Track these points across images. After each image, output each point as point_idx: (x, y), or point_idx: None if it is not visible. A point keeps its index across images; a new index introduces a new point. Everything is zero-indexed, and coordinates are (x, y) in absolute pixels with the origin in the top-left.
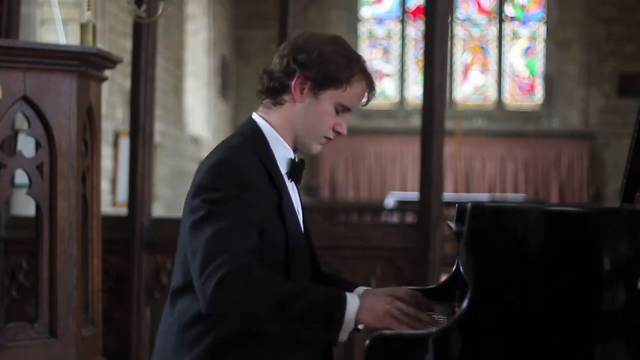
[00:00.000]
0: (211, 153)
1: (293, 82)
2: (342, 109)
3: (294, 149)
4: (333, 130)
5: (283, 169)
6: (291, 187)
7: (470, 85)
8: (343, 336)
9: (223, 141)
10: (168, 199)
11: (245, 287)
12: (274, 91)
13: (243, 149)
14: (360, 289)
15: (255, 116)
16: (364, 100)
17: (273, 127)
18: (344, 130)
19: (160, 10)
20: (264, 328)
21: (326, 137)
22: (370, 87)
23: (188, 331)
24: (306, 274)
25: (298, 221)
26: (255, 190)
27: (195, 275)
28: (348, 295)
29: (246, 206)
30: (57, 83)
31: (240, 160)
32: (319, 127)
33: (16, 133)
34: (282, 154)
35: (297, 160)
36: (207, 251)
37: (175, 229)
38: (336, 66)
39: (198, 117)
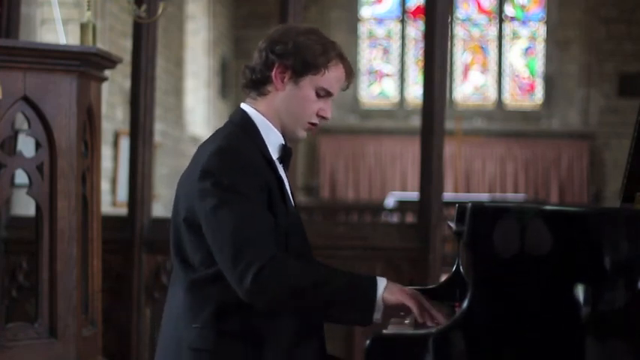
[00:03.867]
0: (208, 141)
1: (273, 72)
2: (323, 94)
3: (283, 136)
4: (318, 115)
5: (275, 155)
6: (282, 172)
7: (470, 85)
8: (377, 316)
9: (218, 130)
10: (168, 199)
11: (281, 277)
12: (257, 83)
13: (238, 137)
14: None
15: (243, 106)
16: (344, 84)
17: (263, 115)
18: (328, 114)
19: (159, 10)
20: (302, 311)
21: (310, 123)
22: (348, 71)
23: (193, 297)
24: (307, 254)
25: (292, 202)
26: (258, 172)
27: (227, 270)
28: (377, 277)
29: (254, 189)
30: (57, 83)
31: (240, 146)
32: (303, 112)
33: (16, 133)
34: (274, 140)
35: (287, 145)
36: (234, 245)
37: None
38: (312, 52)
39: (198, 117)
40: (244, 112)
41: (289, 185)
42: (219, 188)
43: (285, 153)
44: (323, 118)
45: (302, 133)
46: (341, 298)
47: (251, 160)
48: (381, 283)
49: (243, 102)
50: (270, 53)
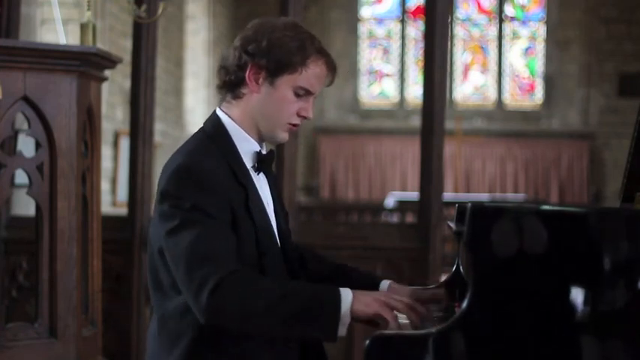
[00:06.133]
0: (172, 157)
1: (247, 74)
2: (303, 93)
3: (260, 141)
4: (298, 115)
5: (249, 163)
6: (261, 180)
7: (470, 85)
8: (342, 331)
9: (185, 142)
10: None
11: (239, 294)
12: (231, 85)
13: (204, 150)
14: (385, 282)
15: (218, 111)
16: (327, 80)
17: (236, 122)
18: (309, 114)
19: (159, 10)
20: (262, 331)
21: (290, 124)
22: (330, 66)
23: (167, 331)
24: (278, 270)
25: (267, 216)
26: (221, 191)
27: (184, 287)
28: (341, 289)
29: (216, 208)
30: (57, 83)
31: (200, 164)
32: (280, 114)
33: (16, 133)
34: (247, 148)
35: (264, 151)
36: (191, 263)
37: None
38: (288, 51)
39: (198, 117)
40: (217, 120)
41: (272, 191)
42: (178, 209)
43: (261, 160)
44: (304, 117)
45: (283, 135)
46: (303, 315)
47: (212, 178)
48: (346, 296)
49: (219, 106)
50: (243, 53)
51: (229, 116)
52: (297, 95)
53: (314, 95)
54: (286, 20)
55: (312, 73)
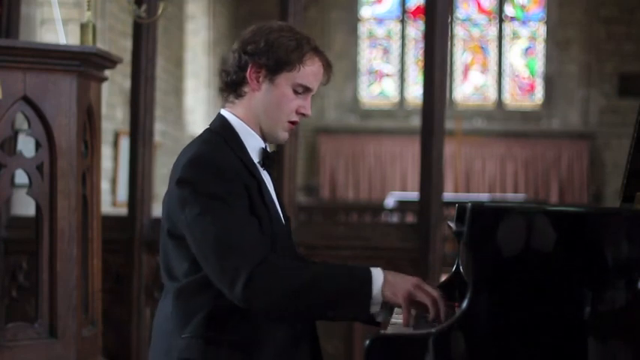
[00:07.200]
0: (184, 150)
1: (248, 73)
2: (301, 90)
3: (263, 139)
4: (297, 113)
5: (256, 159)
6: (266, 177)
7: (470, 85)
8: (375, 309)
9: (195, 138)
10: None
11: (271, 283)
12: (233, 85)
13: (216, 142)
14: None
15: (223, 112)
16: (323, 78)
17: (241, 120)
18: (308, 111)
19: (159, 10)
20: (298, 314)
21: (290, 122)
22: (325, 64)
23: (180, 310)
24: (291, 256)
25: (277, 206)
26: (237, 178)
27: (215, 278)
28: (372, 268)
29: (235, 195)
30: (57, 83)
31: (216, 152)
32: (280, 111)
33: (16, 133)
34: (253, 144)
35: (268, 149)
36: (220, 253)
37: None
38: (285, 49)
39: (198, 117)
40: (223, 118)
41: (274, 190)
42: (199, 196)
43: (267, 157)
44: (303, 115)
45: (283, 135)
46: (336, 295)
47: (227, 166)
48: (378, 277)
49: (223, 108)
50: (242, 53)
51: (234, 114)
52: (296, 92)
53: (312, 92)
54: (282, 23)
55: (309, 70)
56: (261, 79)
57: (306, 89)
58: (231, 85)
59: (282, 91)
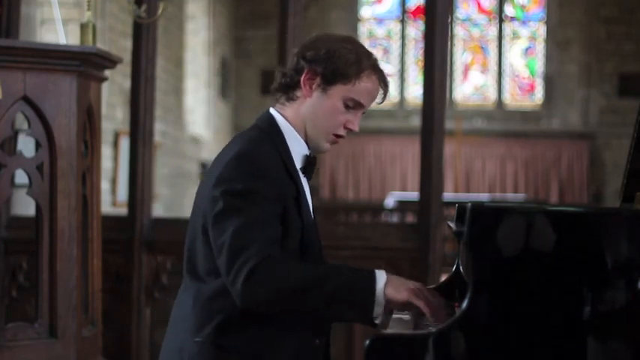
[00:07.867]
0: (229, 145)
1: (302, 78)
2: (352, 105)
3: (307, 145)
4: (345, 127)
5: (298, 164)
6: (305, 185)
7: (470, 85)
8: (378, 310)
9: (241, 133)
10: (168, 199)
11: (273, 277)
12: (286, 87)
13: (262, 142)
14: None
15: (272, 110)
16: (378, 97)
17: (289, 122)
18: (355, 127)
19: (159, 10)
20: (298, 313)
21: (335, 135)
22: (383, 83)
23: (198, 311)
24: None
25: (311, 215)
26: (275, 182)
27: (224, 273)
28: (376, 270)
29: (267, 198)
30: (57, 83)
31: (260, 152)
32: (327, 123)
33: (16, 133)
34: (298, 149)
35: (311, 156)
36: (231, 249)
37: (175, 229)
38: (345, 61)
39: (198, 117)
40: (272, 117)
41: (310, 196)
42: (230, 195)
43: (309, 163)
44: (350, 130)
45: (326, 146)
46: (338, 297)
47: (270, 169)
48: (381, 277)
49: (272, 107)
50: (301, 58)
51: (283, 115)
52: (347, 107)
53: (363, 109)
54: (347, 36)
55: (364, 86)
56: (314, 87)
57: (358, 105)
58: (284, 87)
59: (333, 103)
